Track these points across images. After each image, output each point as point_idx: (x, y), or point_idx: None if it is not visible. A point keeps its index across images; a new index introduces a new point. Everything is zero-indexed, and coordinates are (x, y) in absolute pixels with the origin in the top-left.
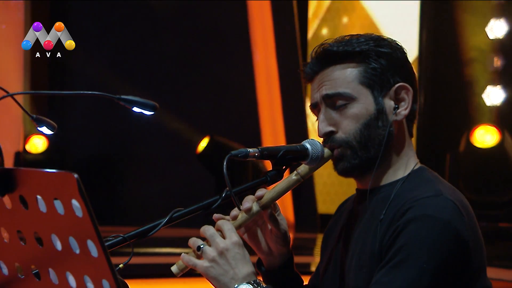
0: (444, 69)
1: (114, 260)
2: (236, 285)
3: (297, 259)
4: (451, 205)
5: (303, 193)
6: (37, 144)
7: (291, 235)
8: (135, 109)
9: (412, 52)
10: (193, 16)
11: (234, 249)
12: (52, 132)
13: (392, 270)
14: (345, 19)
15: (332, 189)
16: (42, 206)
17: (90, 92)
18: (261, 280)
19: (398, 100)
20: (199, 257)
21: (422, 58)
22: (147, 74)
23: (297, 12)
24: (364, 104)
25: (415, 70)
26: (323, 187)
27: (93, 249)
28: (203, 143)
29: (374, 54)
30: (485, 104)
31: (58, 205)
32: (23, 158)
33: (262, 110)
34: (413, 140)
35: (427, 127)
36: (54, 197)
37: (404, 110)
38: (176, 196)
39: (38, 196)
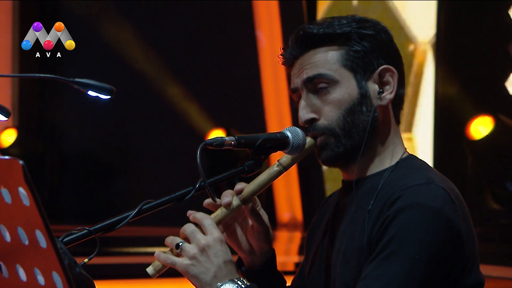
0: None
1: (112, 259)
2: (218, 284)
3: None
4: (443, 192)
5: (314, 192)
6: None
7: (299, 236)
8: (91, 92)
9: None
10: (193, 1)
11: (216, 245)
12: (6, 119)
13: (382, 263)
14: (355, 2)
15: None
16: None
17: (43, 75)
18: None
19: (382, 84)
20: (178, 255)
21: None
22: (144, 68)
23: None
24: (346, 88)
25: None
26: (334, 184)
27: (42, 240)
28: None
29: (356, 36)
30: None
31: (5, 193)
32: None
33: (268, 99)
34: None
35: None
36: (0, 185)
37: (389, 94)
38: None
39: None
